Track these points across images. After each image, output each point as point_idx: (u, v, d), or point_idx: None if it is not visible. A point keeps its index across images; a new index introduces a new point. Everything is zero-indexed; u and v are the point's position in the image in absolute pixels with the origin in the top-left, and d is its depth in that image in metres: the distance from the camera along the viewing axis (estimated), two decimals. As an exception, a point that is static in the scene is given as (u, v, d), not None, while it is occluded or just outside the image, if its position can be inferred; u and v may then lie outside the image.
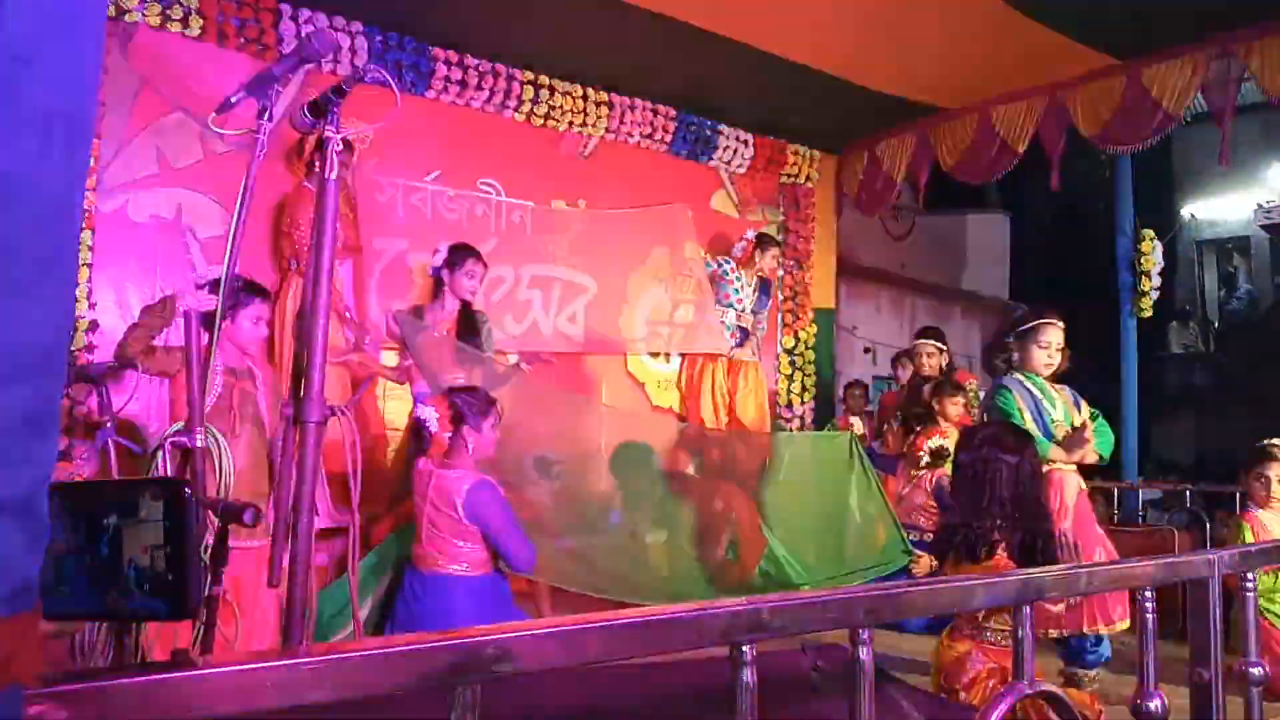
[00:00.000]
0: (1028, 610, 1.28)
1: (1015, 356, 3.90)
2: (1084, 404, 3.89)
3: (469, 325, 4.66)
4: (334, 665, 0.87)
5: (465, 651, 0.95)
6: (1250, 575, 1.75)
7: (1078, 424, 3.76)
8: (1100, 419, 3.87)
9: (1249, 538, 3.93)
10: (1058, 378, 3.89)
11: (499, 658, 0.96)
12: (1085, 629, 3.43)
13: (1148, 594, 1.52)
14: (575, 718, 1.42)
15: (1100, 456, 3.84)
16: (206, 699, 0.84)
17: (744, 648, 1.11)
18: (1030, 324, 3.89)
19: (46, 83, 0.66)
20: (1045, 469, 3.71)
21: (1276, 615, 3.90)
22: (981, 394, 5.73)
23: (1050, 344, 3.83)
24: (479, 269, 4.69)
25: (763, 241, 6.51)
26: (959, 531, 2.91)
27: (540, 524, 4.28)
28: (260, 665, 0.89)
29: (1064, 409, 3.81)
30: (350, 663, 0.89)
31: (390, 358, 4.97)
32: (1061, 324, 3.87)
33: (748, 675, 1.11)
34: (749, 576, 4.61)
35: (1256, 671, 1.75)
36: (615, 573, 4.48)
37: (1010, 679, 1.40)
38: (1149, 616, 1.53)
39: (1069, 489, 3.73)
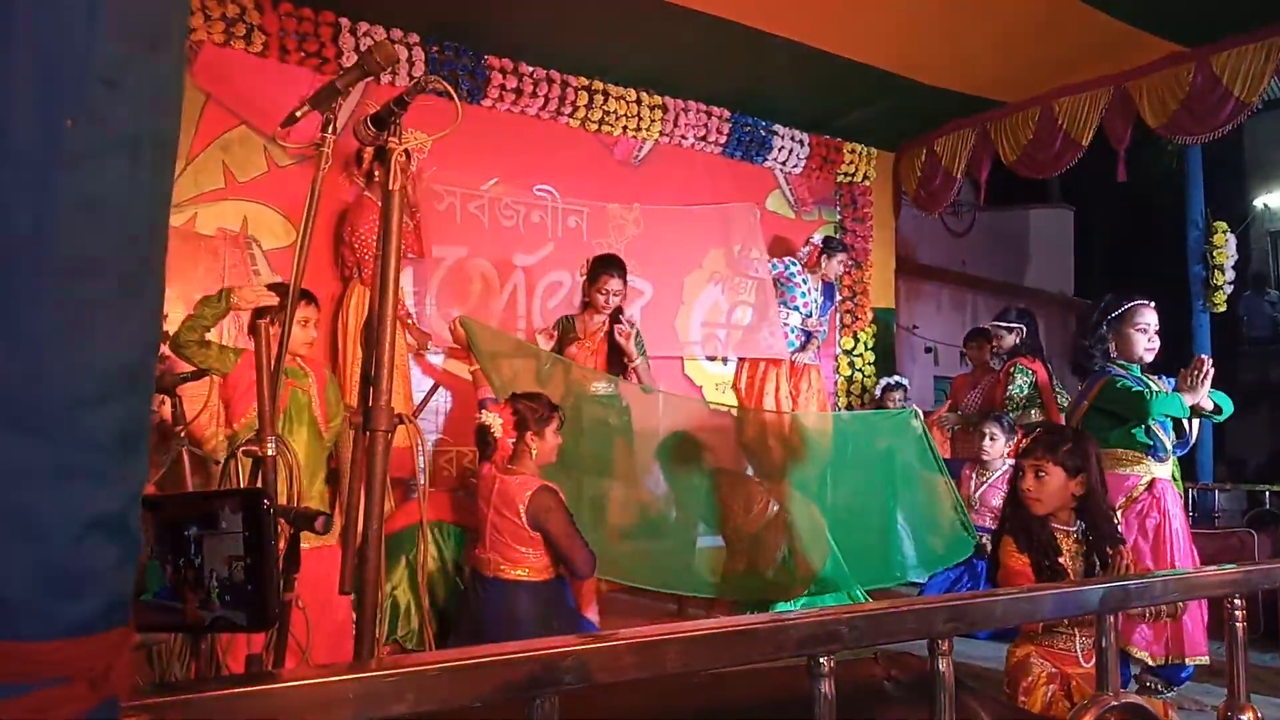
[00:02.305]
0: (1111, 620, 1.25)
1: (1111, 346, 3.72)
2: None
3: (612, 342, 4.67)
4: (413, 678, 0.88)
5: (544, 664, 0.95)
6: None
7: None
8: (1218, 394, 3.68)
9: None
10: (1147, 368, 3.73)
11: (577, 670, 0.96)
12: (1172, 659, 3.30)
13: (1236, 602, 1.47)
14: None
15: (1218, 408, 3.63)
16: (288, 711, 0.84)
17: (821, 659, 1.09)
18: (1124, 307, 3.71)
19: (133, 105, 0.67)
20: (1149, 478, 3.57)
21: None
22: (1018, 381, 5.56)
23: (1149, 326, 3.65)
24: (611, 283, 4.64)
25: (829, 246, 6.46)
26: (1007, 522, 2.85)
27: (601, 523, 4.30)
28: (341, 678, 0.90)
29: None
30: (429, 675, 0.89)
31: (453, 364, 5.02)
32: (1153, 304, 3.69)
33: (825, 687, 1.09)
34: (804, 583, 4.55)
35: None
36: (673, 569, 4.48)
37: (1094, 689, 1.36)
38: (1238, 625, 1.47)
39: (1171, 499, 3.57)
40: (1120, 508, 3.44)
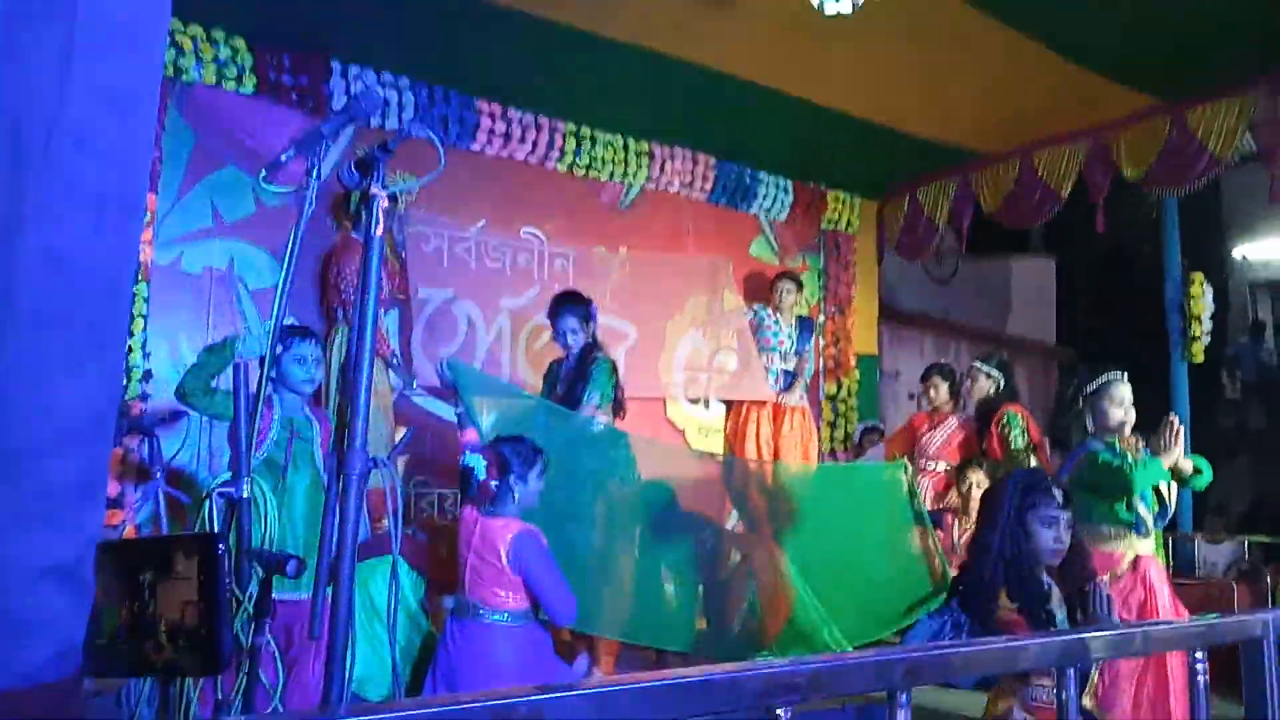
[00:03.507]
0: (1071, 673, 1.26)
1: (1088, 421, 3.79)
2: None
3: (579, 379, 4.55)
4: (368, 726, 0.88)
5: (498, 713, 0.95)
6: (1307, 635, 1.70)
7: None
8: (1196, 456, 3.72)
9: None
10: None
11: (532, 718, 0.96)
12: None
13: (1198, 655, 1.48)
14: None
15: (1198, 471, 3.68)
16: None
17: (780, 711, 1.10)
18: (1099, 382, 3.78)
19: (101, 164, 0.69)
20: (1132, 554, 3.58)
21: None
22: (1015, 428, 5.51)
23: (1123, 399, 3.72)
24: (567, 323, 4.55)
25: (775, 281, 6.50)
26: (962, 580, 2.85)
27: (581, 571, 4.27)
28: (297, 726, 0.90)
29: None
30: (385, 724, 0.89)
31: (438, 405, 5.02)
32: (1125, 375, 3.76)
33: (783, 738, 1.09)
34: (774, 633, 4.53)
35: (1317, 736, 1.69)
36: (649, 621, 4.44)
37: (1056, 742, 1.37)
38: (1200, 679, 1.48)
39: (1155, 575, 3.59)
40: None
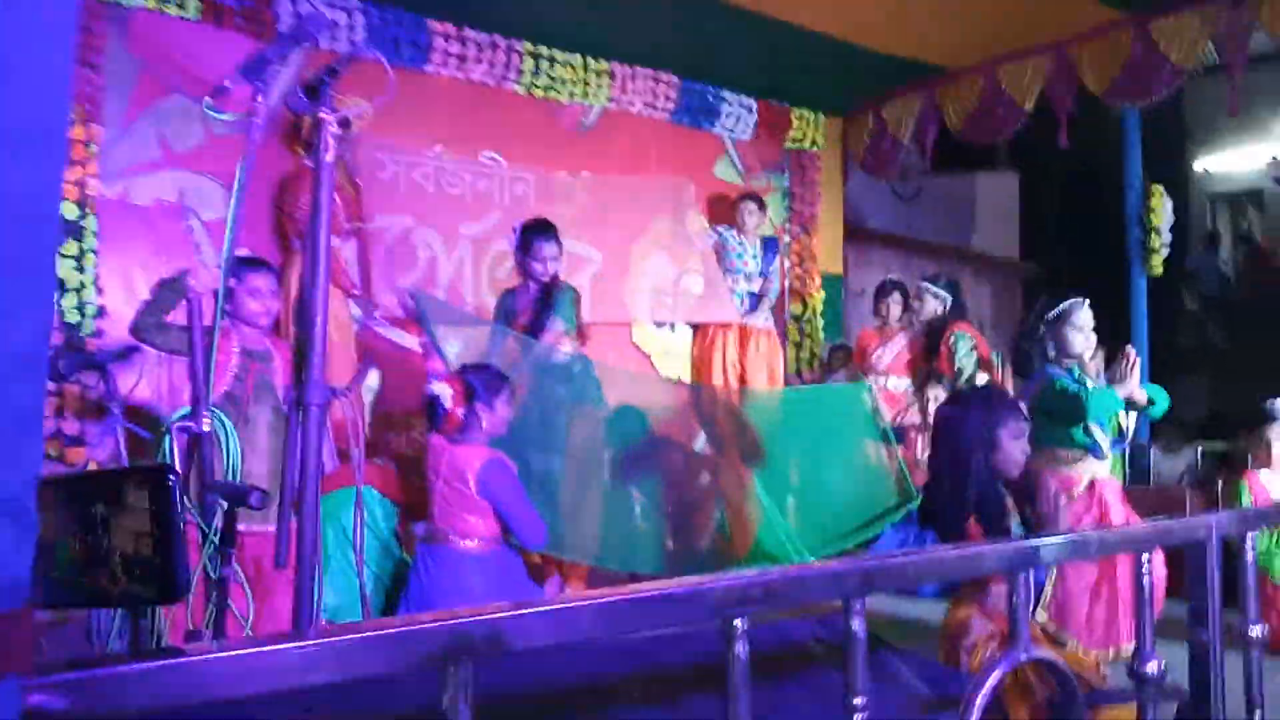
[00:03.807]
0: (1021, 578, 1.30)
1: (1049, 346, 3.80)
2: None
3: (545, 306, 4.51)
4: (329, 649, 0.89)
5: (457, 633, 0.96)
6: (1249, 537, 1.76)
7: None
8: (1153, 386, 3.79)
9: (1246, 498, 3.93)
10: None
11: (491, 638, 0.97)
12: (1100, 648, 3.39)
13: (1144, 557, 1.53)
14: (572, 693, 1.44)
15: (1151, 402, 3.75)
16: (202, 684, 0.85)
17: (736, 621, 1.12)
18: (1060, 308, 3.79)
19: (17, 100, 0.67)
20: (1089, 476, 3.65)
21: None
22: (963, 348, 5.60)
23: (1084, 324, 3.74)
24: (546, 248, 4.50)
25: (738, 201, 6.46)
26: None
27: (550, 498, 4.31)
28: (255, 650, 0.91)
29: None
30: (344, 645, 0.90)
31: (401, 335, 4.99)
32: (1087, 301, 3.78)
33: (740, 649, 1.12)
34: (743, 552, 4.62)
35: (1256, 633, 1.76)
36: (617, 545, 4.51)
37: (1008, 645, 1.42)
38: (1146, 580, 1.54)
39: (1111, 495, 3.66)
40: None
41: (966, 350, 5.59)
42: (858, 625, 1.20)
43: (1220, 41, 5.49)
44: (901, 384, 5.86)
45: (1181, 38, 5.53)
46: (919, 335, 5.97)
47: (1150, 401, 3.74)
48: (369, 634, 0.94)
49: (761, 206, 6.55)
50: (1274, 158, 12.56)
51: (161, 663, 0.87)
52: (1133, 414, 3.83)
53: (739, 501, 4.71)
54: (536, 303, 4.57)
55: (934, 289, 5.86)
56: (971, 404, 2.90)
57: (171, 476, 0.87)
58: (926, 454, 5.27)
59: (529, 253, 4.52)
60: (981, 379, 5.57)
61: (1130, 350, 3.66)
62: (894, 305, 6.09)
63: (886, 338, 6.10)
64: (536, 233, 4.55)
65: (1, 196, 0.67)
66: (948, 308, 5.82)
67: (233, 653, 0.89)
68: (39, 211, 0.71)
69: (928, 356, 5.83)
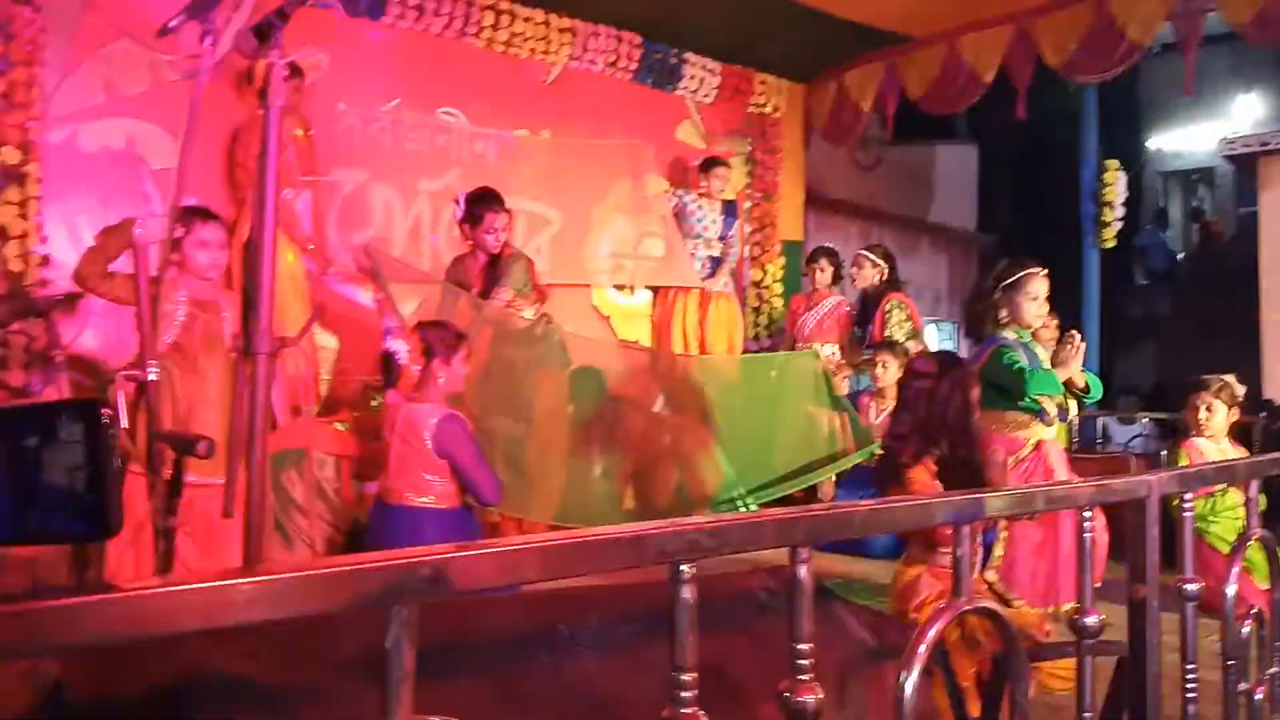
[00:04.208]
0: (966, 530, 1.32)
1: (1003, 312, 3.78)
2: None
3: (494, 276, 4.52)
4: (265, 587, 0.88)
5: (399, 571, 0.95)
6: (1188, 497, 1.80)
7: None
8: (1091, 375, 3.84)
9: (1184, 462, 4.03)
10: None
11: (434, 578, 0.96)
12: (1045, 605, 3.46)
13: (1086, 514, 1.56)
14: (518, 640, 1.45)
15: (1088, 388, 3.80)
16: (131, 621, 0.84)
17: (682, 567, 1.12)
18: (1016, 275, 3.77)
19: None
20: (1035, 439, 3.70)
21: (1216, 537, 4.04)
22: (897, 316, 5.69)
23: (1039, 295, 3.73)
24: (498, 220, 4.51)
25: (705, 166, 6.43)
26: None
27: (508, 457, 4.31)
28: (188, 587, 0.89)
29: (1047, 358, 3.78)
30: (281, 584, 0.89)
31: (356, 291, 4.92)
32: (1045, 271, 3.79)
33: (686, 593, 1.12)
34: (701, 508, 4.67)
35: (1191, 588, 1.81)
36: (577, 504, 4.52)
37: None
38: (1087, 536, 1.57)
39: (1055, 457, 3.71)
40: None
41: (900, 319, 5.68)
42: (804, 573, 1.21)
43: (1176, 20, 5.55)
44: (827, 349, 5.92)
45: (1138, 14, 5.58)
46: (845, 300, 6.06)
47: (1086, 389, 3.79)
48: (310, 573, 0.93)
49: (728, 171, 6.54)
50: (1224, 137, 12.79)
51: (100, 597, 0.85)
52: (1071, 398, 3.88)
53: (698, 462, 4.74)
54: (485, 271, 4.54)
55: (873, 257, 5.93)
56: (952, 373, 2.96)
57: (105, 410, 0.84)
58: (880, 417, 5.35)
59: (479, 224, 4.51)
60: (913, 349, 5.66)
61: (1076, 335, 3.68)
62: (821, 272, 6.14)
63: (814, 302, 6.18)
64: (485, 204, 4.53)
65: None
66: (885, 277, 5.89)
67: (172, 588, 0.88)
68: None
69: (861, 323, 5.92)
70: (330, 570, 0.96)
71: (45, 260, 4.31)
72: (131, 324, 3.40)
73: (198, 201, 3.74)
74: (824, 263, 6.15)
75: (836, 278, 6.15)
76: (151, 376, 2.26)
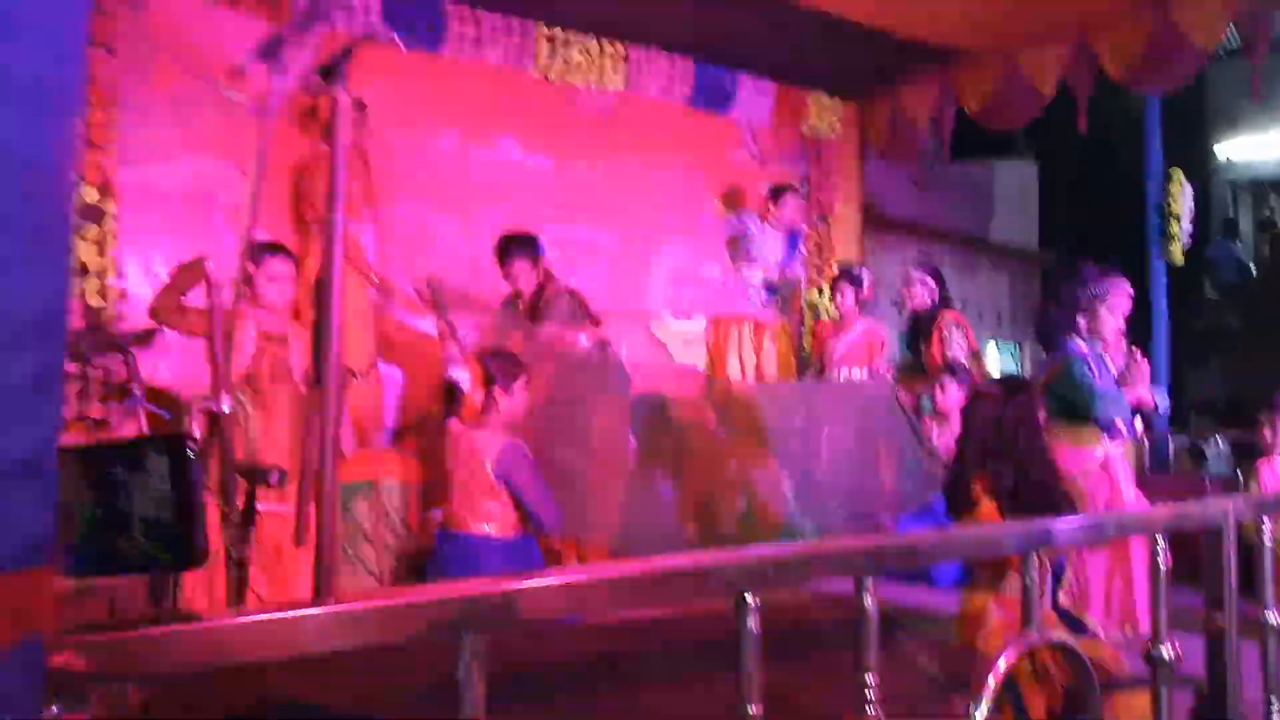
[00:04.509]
0: (1034, 558, 1.29)
1: (1081, 321, 3.63)
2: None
3: (534, 314, 4.64)
4: (341, 617, 0.90)
5: (471, 601, 0.97)
6: (1267, 522, 1.74)
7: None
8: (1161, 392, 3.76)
9: (1254, 486, 3.89)
10: None
11: (503, 608, 0.98)
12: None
13: (1159, 540, 1.52)
14: (586, 668, 1.45)
15: (1156, 408, 3.70)
16: (220, 649, 0.87)
17: (747, 596, 1.13)
18: (1106, 284, 3.63)
19: (31, 55, 0.67)
20: (1103, 454, 3.59)
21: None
22: (956, 337, 5.57)
23: (1124, 310, 3.63)
24: (517, 266, 4.65)
25: (776, 193, 6.38)
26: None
27: (571, 485, 4.33)
28: (271, 617, 0.92)
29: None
30: (357, 614, 0.91)
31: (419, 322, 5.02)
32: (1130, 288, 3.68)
33: (751, 623, 1.12)
34: (775, 529, 4.63)
35: (1274, 618, 1.75)
36: (639, 531, 4.52)
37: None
38: (1160, 564, 1.53)
39: (1122, 473, 3.62)
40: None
41: (959, 339, 5.57)
42: (869, 603, 1.20)
43: (1242, 23, 5.41)
44: (858, 374, 5.83)
45: (1202, 19, 5.44)
46: (874, 321, 6.01)
47: (1156, 408, 3.68)
48: (383, 602, 0.95)
49: (797, 200, 6.49)
50: (1296, 144, 12.42)
51: (182, 627, 0.88)
52: (1138, 416, 3.77)
53: (764, 491, 4.72)
54: (529, 309, 4.64)
55: (924, 277, 5.85)
56: (1013, 390, 2.92)
57: (191, 443, 0.88)
58: (940, 439, 5.25)
59: (505, 269, 4.64)
60: (973, 368, 5.56)
61: (1140, 354, 3.59)
62: (845, 294, 6.04)
63: (841, 327, 6.09)
64: (505, 250, 4.69)
65: (15, 153, 0.67)
66: (936, 297, 5.80)
67: (251, 618, 0.91)
68: (53, 167, 0.71)
69: (913, 344, 5.81)
70: (402, 600, 0.98)
71: (122, 295, 4.46)
72: (203, 356, 3.52)
73: (267, 236, 3.86)
74: (843, 286, 6.06)
75: (860, 300, 6.07)
76: (225, 408, 2.32)
